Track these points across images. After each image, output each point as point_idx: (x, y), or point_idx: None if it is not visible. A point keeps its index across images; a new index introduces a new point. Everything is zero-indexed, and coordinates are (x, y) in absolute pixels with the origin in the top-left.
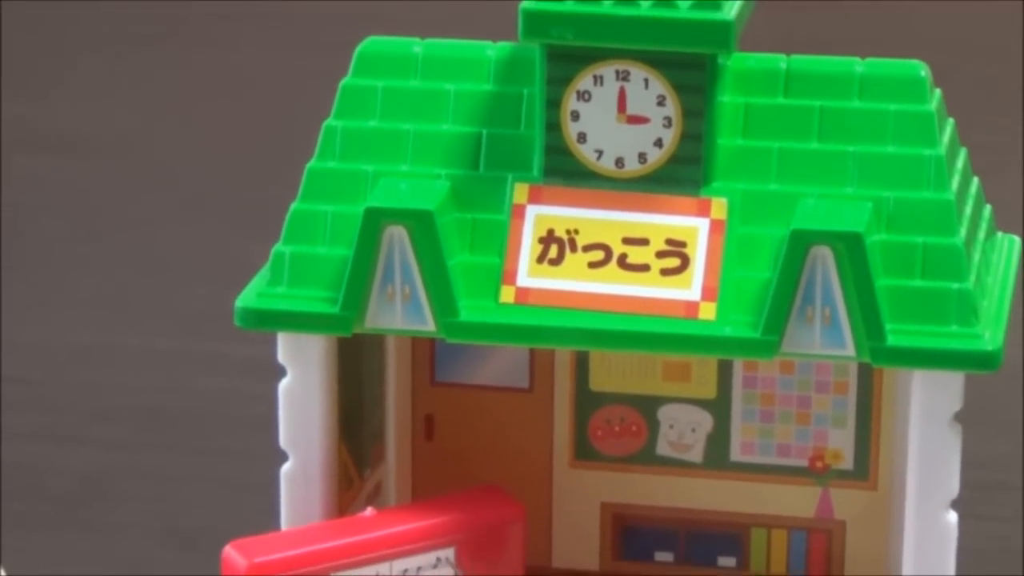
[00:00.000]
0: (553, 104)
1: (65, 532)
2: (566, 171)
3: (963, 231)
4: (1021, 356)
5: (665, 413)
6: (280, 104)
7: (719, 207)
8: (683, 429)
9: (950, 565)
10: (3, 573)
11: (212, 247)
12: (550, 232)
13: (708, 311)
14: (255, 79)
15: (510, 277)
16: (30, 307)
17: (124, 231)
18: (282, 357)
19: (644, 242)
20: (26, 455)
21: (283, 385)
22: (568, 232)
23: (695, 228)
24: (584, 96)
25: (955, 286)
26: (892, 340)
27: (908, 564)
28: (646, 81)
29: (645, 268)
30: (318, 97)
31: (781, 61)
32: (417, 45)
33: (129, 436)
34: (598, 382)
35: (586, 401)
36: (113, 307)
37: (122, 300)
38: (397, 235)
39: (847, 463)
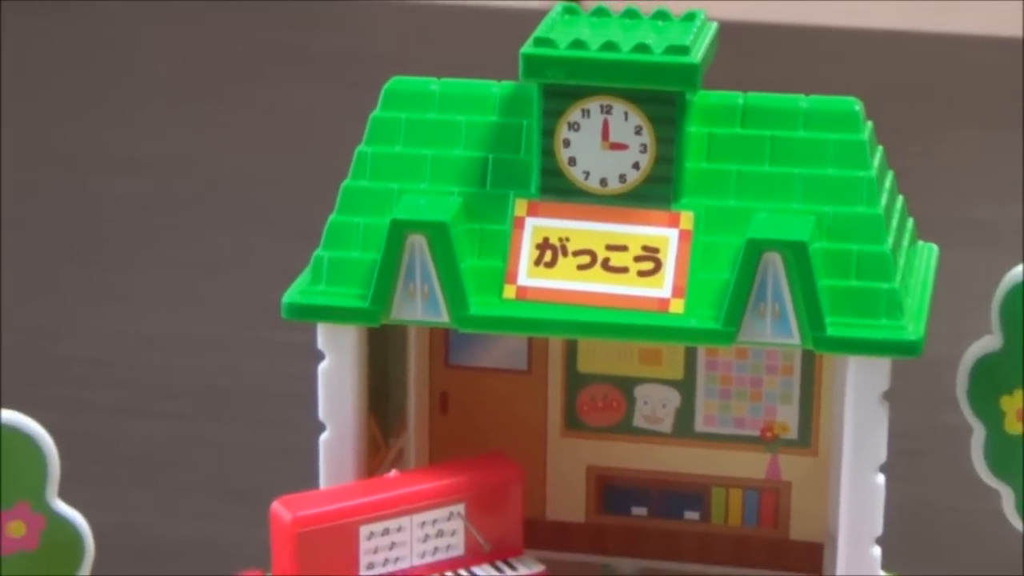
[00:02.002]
0: (548, 133)
1: (136, 490)
2: (559, 189)
3: (890, 240)
4: (938, 345)
5: (640, 391)
6: (317, 133)
7: (687, 219)
8: (655, 405)
9: (878, 519)
10: None
11: (261, 253)
12: (545, 240)
13: (677, 306)
14: (298, 112)
15: (511, 277)
16: (110, 302)
17: (188, 240)
18: (321, 344)
19: (623, 248)
20: (104, 425)
21: (322, 367)
22: (560, 240)
23: (666, 237)
24: (574, 126)
25: (884, 286)
26: (831, 331)
27: (844, 518)
28: (626, 114)
29: (624, 270)
30: (349, 127)
31: (738, 98)
32: (434, 84)
33: (191, 410)
34: (584, 365)
35: (574, 381)
36: (180, 302)
37: (187, 296)
38: (418, 243)
39: (792, 433)
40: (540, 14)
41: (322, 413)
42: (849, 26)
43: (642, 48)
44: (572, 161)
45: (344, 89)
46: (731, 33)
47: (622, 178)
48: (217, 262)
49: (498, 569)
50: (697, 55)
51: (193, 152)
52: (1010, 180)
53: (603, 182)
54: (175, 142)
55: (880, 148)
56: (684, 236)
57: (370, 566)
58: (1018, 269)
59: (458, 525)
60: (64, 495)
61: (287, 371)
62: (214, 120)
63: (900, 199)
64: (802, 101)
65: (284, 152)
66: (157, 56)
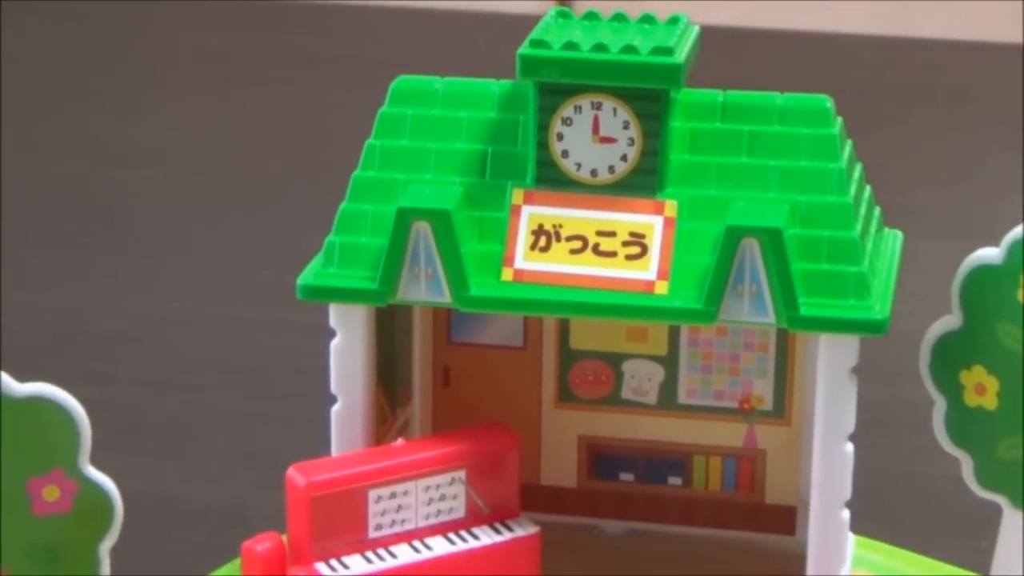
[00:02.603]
0: (542, 128)
1: (162, 458)
2: (553, 179)
3: (859, 227)
4: (902, 324)
5: (628, 366)
6: (329, 129)
7: (671, 207)
8: (641, 379)
9: (847, 484)
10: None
11: (277, 239)
12: (540, 226)
13: (662, 288)
14: (311, 110)
15: (509, 261)
16: (139, 284)
17: (211, 227)
18: (333, 322)
19: (612, 234)
20: (132, 397)
21: (334, 344)
22: (554, 226)
23: (652, 224)
24: (567, 122)
25: (853, 269)
26: (804, 311)
27: (815, 483)
28: (614, 110)
29: (613, 254)
30: (359, 124)
31: (718, 95)
32: (437, 82)
33: (213, 383)
34: (576, 342)
35: (567, 357)
36: (202, 284)
37: (209, 278)
38: (422, 229)
39: (768, 405)
40: (535, 18)
41: (334, 386)
42: (821, 30)
43: (629, 49)
44: (565, 153)
45: (354, 89)
46: (712, 36)
47: (611, 169)
48: (237, 247)
49: (496, 530)
50: (680, 56)
51: (216, 146)
52: (971, 173)
53: (593, 173)
54: (200, 137)
55: (849, 142)
56: (668, 223)
57: (378, 527)
58: (977, 254)
59: (459, 490)
60: (95, 462)
61: (302, 348)
62: (235, 116)
63: (868, 189)
64: (777, 99)
65: (299, 147)
66: (185, 58)
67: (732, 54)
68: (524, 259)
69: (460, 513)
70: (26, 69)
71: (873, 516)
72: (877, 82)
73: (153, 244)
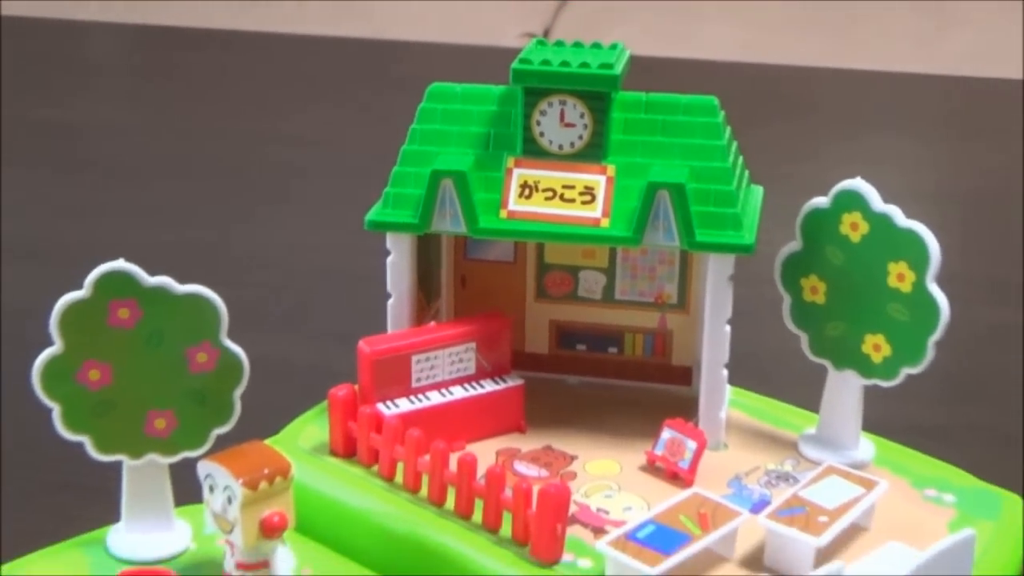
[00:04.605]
0: (527, 117)
1: (277, 334)
2: (534, 151)
3: (734, 183)
4: (762, 247)
5: (582, 275)
6: (386, 124)
7: (611, 170)
8: (591, 283)
9: (726, 352)
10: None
11: (355, 191)
12: (525, 182)
13: (605, 223)
14: (377, 107)
15: (504, 205)
16: (270, 220)
17: (316, 185)
18: (388, 245)
19: (572, 187)
20: (257, 295)
21: (389, 260)
22: (534, 182)
23: (598, 181)
24: (543, 113)
25: (730, 211)
26: (698, 238)
27: (705, 352)
28: (574, 105)
29: (573, 200)
30: (406, 116)
31: (643, 96)
32: (458, 87)
33: (314, 286)
34: (549, 258)
35: (542, 268)
36: (309, 220)
37: (308, 218)
38: (447, 184)
39: (674, 300)
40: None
41: (389, 287)
42: (707, 58)
43: (584, 65)
44: (542, 134)
45: (405, 97)
46: (638, 61)
47: (572, 144)
48: (330, 198)
49: (495, 382)
50: (618, 70)
51: (325, 134)
52: (814, 153)
53: (560, 147)
54: (313, 131)
55: (729, 128)
56: (609, 180)
57: (418, 380)
58: (812, 201)
59: (471, 355)
60: (230, 336)
61: (368, 263)
62: (332, 119)
63: (740, 159)
64: (682, 98)
65: (372, 134)
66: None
67: (653, 72)
68: (514, 204)
69: (471, 370)
70: None
71: (743, 374)
72: (748, 93)
73: (283, 196)
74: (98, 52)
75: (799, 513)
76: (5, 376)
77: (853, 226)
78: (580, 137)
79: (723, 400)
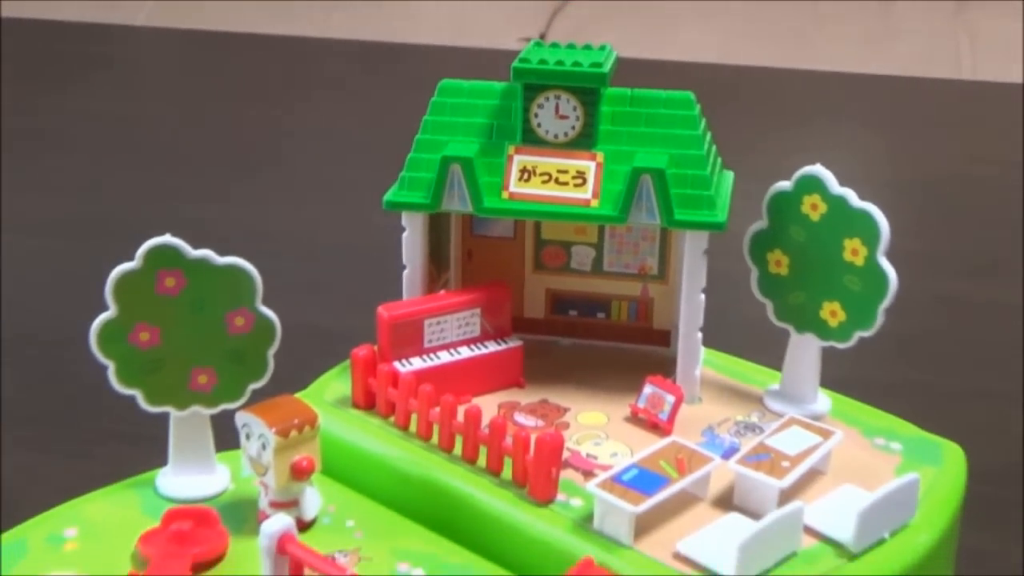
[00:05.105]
0: (526, 110)
1: (305, 301)
2: (532, 140)
3: (708, 169)
4: (733, 225)
5: (574, 249)
6: (398, 116)
7: (600, 157)
8: (582, 256)
9: (701, 317)
10: None
11: (374, 178)
12: (524, 167)
13: (595, 203)
14: (390, 102)
15: (506, 187)
16: (293, 199)
17: (341, 167)
18: (404, 222)
19: (566, 172)
20: (287, 263)
21: (404, 235)
22: (532, 167)
23: (589, 166)
24: (540, 106)
25: (705, 193)
26: (677, 216)
27: (682, 317)
28: (568, 100)
29: (567, 184)
30: (417, 110)
31: (628, 92)
32: (465, 84)
33: (337, 262)
34: (545, 234)
35: (539, 243)
36: (332, 201)
37: (329, 198)
38: (456, 168)
39: (655, 271)
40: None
41: (404, 259)
42: (685, 60)
43: (576, 64)
44: (539, 125)
45: (420, 93)
46: (624, 61)
47: (566, 134)
48: (353, 182)
49: (497, 343)
50: (606, 69)
51: (342, 128)
52: (779, 143)
53: (555, 136)
54: (334, 123)
55: (704, 120)
56: (599, 166)
57: (429, 341)
58: (776, 184)
59: (477, 319)
60: (264, 302)
61: (388, 238)
62: (352, 112)
63: (714, 147)
64: (662, 94)
65: (389, 125)
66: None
67: (639, 71)
68: (514, 186)
69: (476, 333)
70: None
71: (716, 337)
72: (720, 90)
73: (317, 186)
74: (148, 53)
75: (764, 459)
76: (73, 339)
77: (813, 207)
78: (573, 128)
79: (698, 360)
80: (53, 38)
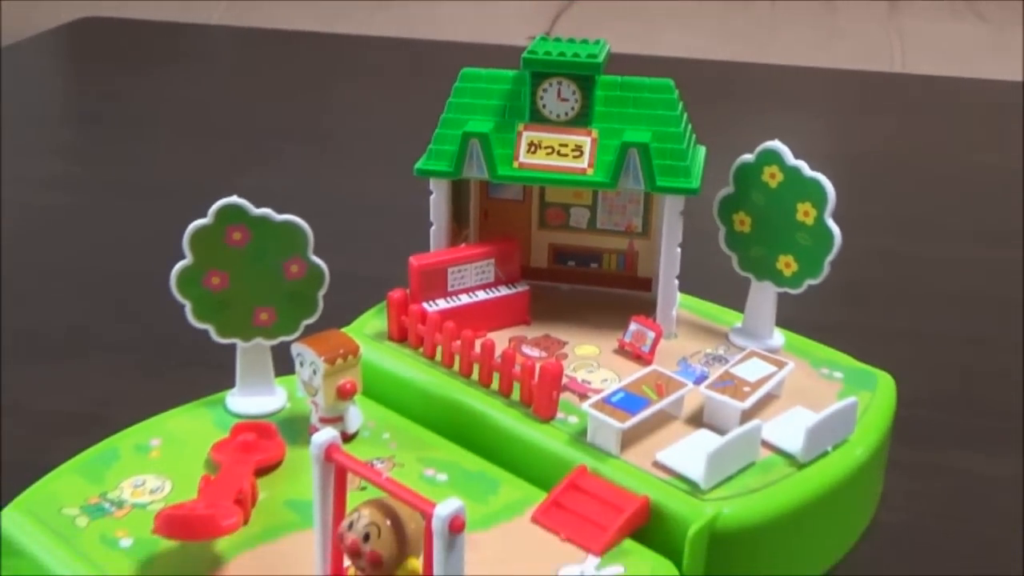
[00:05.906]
0: (533, 93)
1: (348, 250)
2: (538, 119)
3: (685, 143)
4: (705, 190)
5: (573, 211)
6: (430, 96)
7: (595, 133)
8: (578, 216)
9: (677, 266)
10: None
11: (402, 150)
12: (531, 142)
13: (590, 172)
14: (423, 88)
15: (516, 158)
16: (334, 172)
17: (378, 148)
18: (431, 187)
19: (566, 146)
20: (329, 222)
21: (431, 198)
22: (538, 141)
23: (585, 141)
24: (545, 90)
25: (682, 163)
26: (658, 183)
27: (662, 268)
28: (568, 85)
29: (567, 155)
30: (443, 94)
31: (618, 79)
32: (483, 71)
33: (378, 217)
34: (548, 197)
35: (544, 205)
36: (370, 171)
37: (373, 169)
38: (475, 143)
39: (639, 229)
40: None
41: (432, 217)
42: (666, 55)
43: (576, 55)
44: (544, 106)
45: (444, 80)
46: (615, 55)
47: (566, 114)
48: (389, 154)
49: (508, 288)
50: (600, 59)
51: (376, 111)
52: (739, 122)
53: (558, 116)
54: (370, 106)
55: (681, 103)
56: (594, 141)
57: (452, 285)
58: (741, 157)
59: (491, 268)
60: (315, 253)
61: (418, 200)
62: (384, 96)
63: (690, 126)
64: (647, 81)
65: (418, 107)
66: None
67: (627, 63)
68: (523, 157)
69: (491, 279)
70: None
71: (690, 283)
72: (695, 80)
73: (356, 158)
74: (218, 47)
75: (729, 385)
76: (158, 283)
77: (772, 176)
78: (572, 108)
79: (674, 302)
80: (140, 35)
